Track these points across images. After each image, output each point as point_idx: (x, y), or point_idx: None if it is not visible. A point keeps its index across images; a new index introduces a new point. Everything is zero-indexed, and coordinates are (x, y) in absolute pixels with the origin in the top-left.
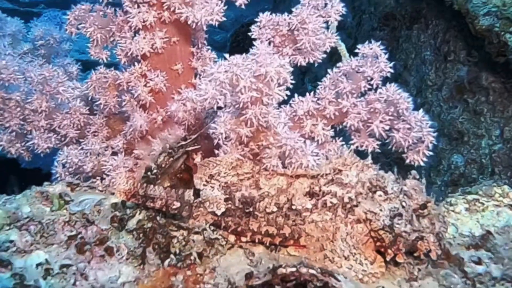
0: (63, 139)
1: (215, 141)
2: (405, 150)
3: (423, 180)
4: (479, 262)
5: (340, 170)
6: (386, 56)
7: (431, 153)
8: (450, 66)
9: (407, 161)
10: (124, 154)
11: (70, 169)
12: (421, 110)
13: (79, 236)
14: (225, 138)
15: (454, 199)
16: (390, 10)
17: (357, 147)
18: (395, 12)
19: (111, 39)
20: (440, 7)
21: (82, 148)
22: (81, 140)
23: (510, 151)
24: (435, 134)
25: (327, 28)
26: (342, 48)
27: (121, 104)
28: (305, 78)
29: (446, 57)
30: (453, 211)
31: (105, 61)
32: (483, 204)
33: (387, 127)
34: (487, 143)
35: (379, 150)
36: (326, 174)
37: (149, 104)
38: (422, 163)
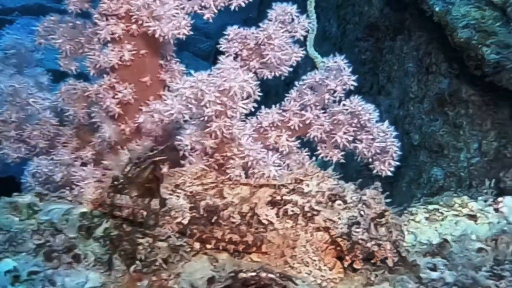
0: (33, 149)
1: (181, 153)
2: (370, 160)
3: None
4: (434, 268)
5: (301, 180)
6: (350, 69)
7: (397, 163)
8: (432, 78)
9: (374, 171)
10: (93, 164)
11: (40, 179)
12: (386, 121)
13: (47, 244)
14: (191, 149)
15: (415, 209)
16: (374, 21)
17: (322, 157)
18: (379, 23)
19: (80, 50)
20: (423, 18)
21: (52, 159)
22: (51, 150)
23: (487, 165)
24: (398, 144)
25: (304, 39)
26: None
27: (91, 115)
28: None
29: (428, 69)
30: (413, 220)
31: (75, 72)
32: (442, 214)
33: (350, 138)
34: (466, 156)
35: (343, 161)
36: (288, 184)
37: (117, 116)
38: (389, 173)
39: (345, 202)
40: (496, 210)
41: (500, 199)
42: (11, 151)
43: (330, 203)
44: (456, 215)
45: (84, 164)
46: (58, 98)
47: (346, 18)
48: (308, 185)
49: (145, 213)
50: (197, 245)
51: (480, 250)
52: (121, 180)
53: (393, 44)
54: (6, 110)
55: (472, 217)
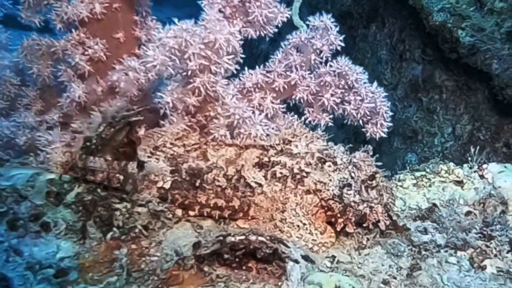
0: None
1: (161, 111)
2: (361, 123)
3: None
4: (425, 232)
5: (290, 141)
6: (337, 29)
7: (390, 123)
8: (405, 65)
9: (368, 135)
10: (60, 128)
11: (0, 142)
12: (375, 82)
13: (11, 212)
14: (172, 108)
15: (402, 175)
16: (347, 9)
17: (309, 121)
18: (352, 11)
19: (45, 2)
20: (397, 5)
21: (14, 121)
22: (11, 112)
23: (461, 148)
24: (388, 104)
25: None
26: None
27: (57, 75)
28: None
29: (401, 56)
30: (401, 186)
31: (38, 26)
32: (429, 180)
33: (338, 100)
34: (440, 141)
35: (332, 124)
36: (276, 145)
37: (87, 74)
38: (383, 134)
39: (335, 163)
40: (481, 176)
41: (484, 166)
42: None
43: (320, 165)
44: (443, 181)
45: (50, 129)
46: (19, 55)
47: (318, 7)
48: (297, 146)
49: (121, 177)
50: (179, 212)
51: (468, 213)
52: (94, 141)
53: (367, 32)
54: None
55: (459, 183)
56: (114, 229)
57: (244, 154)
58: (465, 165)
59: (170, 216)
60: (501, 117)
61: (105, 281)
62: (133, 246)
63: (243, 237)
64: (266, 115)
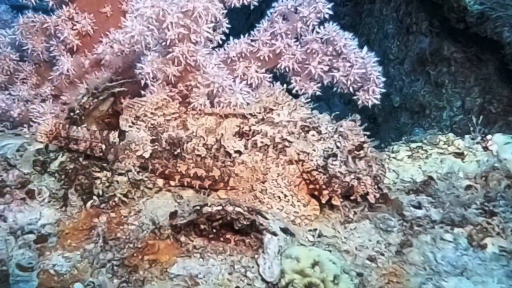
0: None
1: (142, 82)
2: (351, 90)
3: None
4: (419, 206)
5: (272, 109)
6: None
7: (382, 90)
8: (412, 39)
9: (359, 102)
10: (52, 101)
11: None
12: (365, 47)
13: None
14: (153, 78)
15: (396, 146)
16: None
17: (296, 91)
18: None
19: None
20: None
21: (9, 94)
22: (9, 86)
23: (470, 122)
24: (379, 69)
25: None
26: None
27: (50, 50)
28: None
29: (408, 29)
30: (395, 158)
31: (34, 4)
32: (426, 151)
33: (326, 68)
34: (448, 115)
35: (319, 93)
36: (257, 113)
37: (76, 48)
38: (375, 101)
39: (319, 133)
40: (485, 148)
41: (489, 136)
42: None
43: (303, 134)
44: (442, 153)
45: (43, 101)
46: (15, 31)
47: None
48: (279, 115)
49: (103, 146)
50: (160, 182)
51: (468, 187)
52: (77, 111)
53: (372, 7)
54: None
55: (459, 155)
56: (94, 197)
57: (224, 123)
58: (467, 136)
59: (151, 185)
60: None
61: (81, 248)
62: (112, 215)
63: (220, 207)
64: (250, 84)
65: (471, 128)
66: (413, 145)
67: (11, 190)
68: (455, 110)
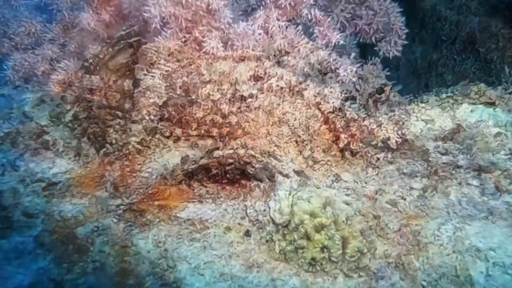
0: (18, 46)
1: (152, 27)
2: (374, 41)
3: None
4: (445, 152)
5: (287, 52)
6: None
7: (404, 41)
8: (462, 19)
9: (380, 53)
10: (76, 58)
11: (20, 73)
12: None
13: (16, 131)
14: (164, 23)
15: (426, 96)
16: None
17: (320, 40)
18: None
19: None
20: None
21: (33, 53)
22: (36, 47)
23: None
24: (403, 19)
25: None
26: None
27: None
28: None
29: (458, 10)
30: (424, 107)
31: None
32: (457, 101)
33: (348, 15)
34: (502, 81)
35: (343, 42)
36: (272, 56)
37: (96, 4)
38: (396, 53)
39: (337, 75)
40: None
41: None
42: None
43: (320, 76)
44: (473, 103)
45: (68, 59)
46: None
47: None
48: (295, 57)
49: (118, 95)
50: (179, 131)
51: (498, 134)
52: (90, 60)
53: None
54: None
55: (491, 104)
56: (107, 145)
57: (239, 67)
58: (499, 87)
59: (168, 134)
60: None
61: (91, 194)
62: (126, 163)
63: (231, 151)
64: (271, 34)
65: (503, 79)
66: (443, 95)
67: (25, 140)
68: (504, 85)
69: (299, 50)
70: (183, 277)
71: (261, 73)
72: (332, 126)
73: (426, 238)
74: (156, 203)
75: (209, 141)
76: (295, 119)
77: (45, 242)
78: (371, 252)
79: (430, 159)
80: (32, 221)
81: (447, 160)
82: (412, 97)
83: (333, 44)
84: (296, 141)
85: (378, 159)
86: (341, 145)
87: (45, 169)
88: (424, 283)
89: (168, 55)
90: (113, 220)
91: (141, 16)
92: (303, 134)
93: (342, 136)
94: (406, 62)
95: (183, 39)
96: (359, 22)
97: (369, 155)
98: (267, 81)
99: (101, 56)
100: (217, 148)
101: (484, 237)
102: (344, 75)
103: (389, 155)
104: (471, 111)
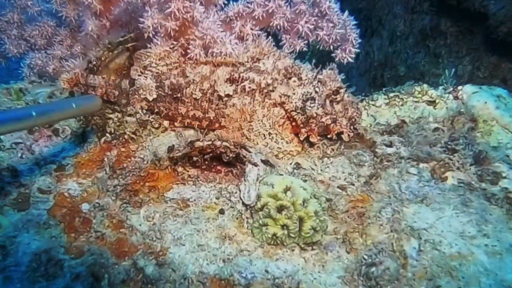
0: (32, 46)
1: (145, 35)
2: (332, 48)
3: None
4: (390, 145)
5: (259, 59)
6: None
7: (357, 50)
8: (416, 17)
9: (336, 59)
10: (81, 58)
11: (35, 70)
12: (346, 12)
13: None
14: (154, 31)
15: (376, 95)
16: None
17: (287, 47)
18: None
19: None
20: None
21: (45, 52)
22: (48, 48)
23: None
24: (357, 31)
25: None
26: None
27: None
28: None
29: (413, 9)
30: (373, 105)
31: None
32: (402, 99)
33: (312, 27)
34: (443, 81)
35: (306, 49)
36: (246, 62)
37: (99, 12)
38: (350, 60)
39: (300, 79)
40: (456, 97)
41: (459, 87)
42: (12, 47)
43: (285, 80)
44: (416, 101)
45: (74, 58)
46: (52, 1)
47: None
48: (264, 64)
49: (116, 92)
50: (166, 123)
51: (436, 129)
52: (94, 62)
53: None
54: (8, 12)
55: (432, 102)
56: (107, 134)
57: (217, 71)
58: (440, 87)
59: (157, 125)
60: (499, 55)
61: (93, 175)
62: (122, 149)
63: (209, 142)
64: (246, 39)
65: (444, 80)
66: (391, 94)
67: (40, 129)
68: (449, 77)
69: (268, 57)
70: (168, 246)
71: (236, 77)
72: (294, 123)
73: (369, 219)
74: (147, 184)
75: (192, 132)
76: (263, 116)
77: (56, 215)
78: (323, 229)
79: (377, 150)
80: (45, 196)
81: (391, 151)
82: (363, 96)
83: (297, 50)
84: (264, 135)
85: (333, 150)
86: (301, 138)
87: (56, 153)
88: (365, 256)
89: (159, 59)
90: (111, 198)
91: (137, 25)
92: (269, 129)
93: (303, 130)
94: (365, 54)
95: (171, 46)
96: (321, 32)
97: (325, 146)
98: (241, 83)
99: (102, 59)
100: (198, 140)
101: (419, 218)
102: (306, 80)
103: (342, 147)
104: (414, 108)
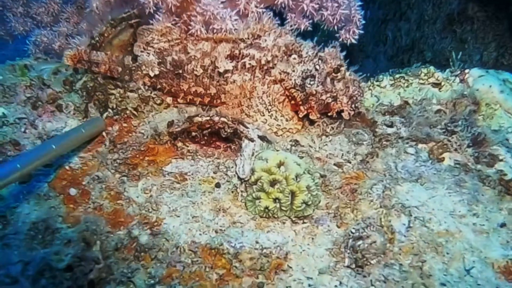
0: (38, 24)
1: (146, 11)
2: (336, 29)
3: None
4: (391, 125)
5: (259, 36)
6: None
7: (361, 31)
8: (444, 1)
9: (340, 40)
10: (87, 34)
11: (40, 47)
12: None
13: (36, 96)
14: (156, 8)
15: (381, 76)
16: None
17: (291, 26)
18: None
19: None
20: None
21: (51, 29)
22: (54, 25)
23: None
24: (362, 13)
25: None
26: None
27: None
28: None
29: None
30: (378, 85)
31: None
32: (408, 81)
33: (316, 6)
34: (469, 67)
35: (310, 29)
36: (246, 39)
37: None
38: (353, 41)
39: (300, 56)
40: (462, 80)
41: (466, 70)
42: (18, 24)
43: (286, 57)
44: (422, 83)
45: (80, 35)
46: None
47: None
48: (265, 40)
49: (120, 69)
50: (169, 100)
51: (438, 111)
52: (96, 38)
53: None
54: None
55: (437, 85)
56: (109, 110)
57: (218, 48)
58: (447, 70)
59: (159, 101)
60: None
61: (94, 149)
62: (124, 125)
63: (208, 117)
64: (246, 16)
65: (451, 63)
66: (397, 75)
67: (44, 104)
68: (474, 63)
69: (269, 34)
70: (163, 217)
71: (236, 53)
72: (293, 101)
73: (361, 195)
74: (146, 158)
75: (194, 109)
76: (263, 93)
77: (57, 187)
78: (315, 204)
79: (377, 130)
80: (47, 169)
81: (391, 131)
82: (367, 76)
83: (302, 29)
84: (263, 112)
85: (332, 128)
86: (300, 115)
87: (59, 128)
88: (353, 230)
89: (160, 36)
90: (110, 171)
91: (139, 1)
92: (269, 106)
93: (302, 108)
94: (393, 39)
95: (173, 22)
96: (325, 12)
97: (325, 125)
98: (241, 60)
99: (106, 35)
100: (197, 115)
101: (412, 196)
102: (306, 57)
103: (342, 125)
104: (419, 90)
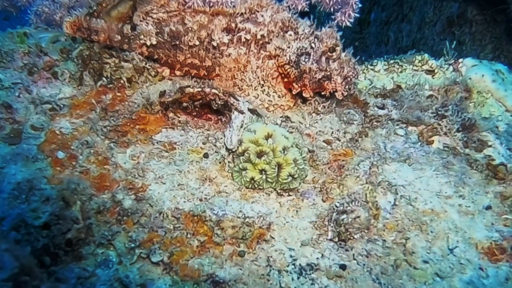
0: None
1: None
2: (332, 11)
3: None
4: (382, 107)
5: (256, 11)
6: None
7: (357, 14)
8: (445, 4)
9: (335, 22)
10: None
11: (42, 18)
12: None
13: (32, 63)
14: None
15: (376, 60)
16: None
17: (288, 6)
18: None
19: None
20: None
21: (53, 0)
22: None
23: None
24: None
25: None
26: None
27: None
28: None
29: None
30: (372, 69)
31: None
32: (402, 66)
33: None
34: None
35: (307, 9)
36: (243, 13)
37: None
38: (348, 24)
39: (296, 33)
40: (455, 69)
41: (460, 59)
42: None
43: (282, 33)
44: (415, 70)
45: (81, 7)
46: None
47: None
48: (262, 15)
49: (119, 37)
50: (167, 72)
51: (430, 96)
52: (94, 8)
53: None
54: None
55: (431, 72)
56: (104, 78)
57: (215, 21)
58: (442, 58)
59: (153, 73)
60: None
61: (86, 116)
62: (118, 94)
63: (199, 89)
64: None
65: (445, 52)
66: (391, 61)
67: (39, 71)
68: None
69: (266, 9)
70: (149, 184)
71: (232, 26)
72: (286, 79)
73: (348, 171)
74: (137, 127)
75: (189, 82)
76: (257, 67)
77: (45, 150)
78: (301, 177)
79: (368, 111)
80: (37, 133)
81: (383, 113)
82: (362, 59)
83: (299, 10)
84: (255, 87)
85: (324, 107)
86: (294, 92)
87: (53, 94)
88: (338, 204)
89: (159, 6)
90: (100, 137)
91: None
92: (262, 81)
93: (295, 85)
94: (394, 40)
95: None
96: None
97: (317, 103)
98: (237, 33)
99: (104, 5)
100: (188, 86)
101: (399, 176)
102: (302, 34)
103: (334, 105)
104: (413, 76)
